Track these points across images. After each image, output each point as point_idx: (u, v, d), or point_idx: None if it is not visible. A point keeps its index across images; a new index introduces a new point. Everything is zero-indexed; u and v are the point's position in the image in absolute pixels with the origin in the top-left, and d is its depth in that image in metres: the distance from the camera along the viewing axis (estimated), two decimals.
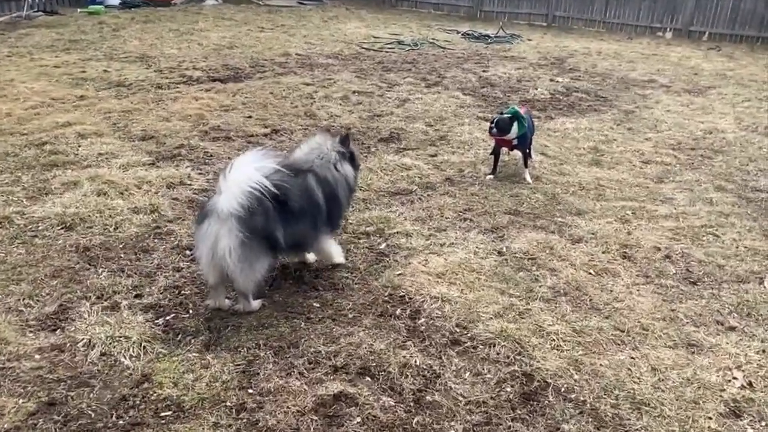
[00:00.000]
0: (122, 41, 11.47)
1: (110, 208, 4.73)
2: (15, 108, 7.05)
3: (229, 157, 5.97)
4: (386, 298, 3.84)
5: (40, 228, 4.43)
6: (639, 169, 6.45)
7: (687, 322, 3.77)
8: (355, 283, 4.00)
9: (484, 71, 10.95)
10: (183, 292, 3.80)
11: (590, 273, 4.27)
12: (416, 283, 3.99)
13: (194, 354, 3.24)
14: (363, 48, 12.61)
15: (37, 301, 3.61)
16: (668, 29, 17.21)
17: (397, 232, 4.70)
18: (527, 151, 5.95)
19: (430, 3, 20.39)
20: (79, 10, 15.11)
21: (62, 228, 4.44)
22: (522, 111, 5.81)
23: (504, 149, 5.95)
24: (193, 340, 3.35)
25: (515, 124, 5.66)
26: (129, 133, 6.48)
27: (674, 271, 4.37)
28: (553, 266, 4.32)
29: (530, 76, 10.79)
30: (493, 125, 5.65)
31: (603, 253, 4.57)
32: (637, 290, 4.09)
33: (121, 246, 4.27)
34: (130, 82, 8.54)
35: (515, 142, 5.74)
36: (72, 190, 5.03)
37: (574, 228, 4.97)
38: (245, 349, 3.30)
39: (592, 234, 4.86)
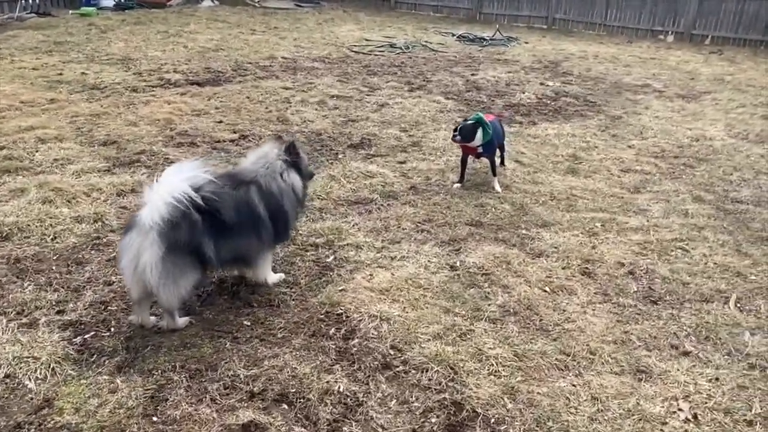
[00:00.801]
0: (107, 43, 11.37)
1: (52, 217, 4.57)
2: None
3: None
4: (322, 317, 3.64)
5: None
6: (616, 178, 6.21)
7: (639, 346, 3.54)
8: (293, 299, 3.81)
9: (472, 75, 10.74)
10: (109, 307, 3.63)
11: (545, 291, 4.05)
12: (357, 300, 3.79)
13: (105, 377, 3.06)
14: (353, 51, 12.44)
15: None
16: (670, 32, 16.92)
17: (348, 244, 4.50)
18: (495, 158, 5.73)
19: (429, 5, 20.21)
20: (70, 11, 15.06)
21: None
22: (489, 118, 5.60)
23: (471, 157, 5.74)
24: (107, 361, 3.17)
25: (479, 131, 5.45)
26: (91, 137, 6.33)
27: (635, 289, 4.14)
28: (507, 283, 4.11)
29: (520, 79, 10.57)
30: (456, 132, 5.45)
31: (563, 269, 4.35)
32: (592, 310, 3.87)
33: (55, 258, 4.10)
34: (105, 85, 8.41)
35: (480, 149, 5.53)
36: (18, 197, 4.87)
37: (537, 241, 4.75)
38: (159, 371, 3.11)
39: (555, 248, 4.64)
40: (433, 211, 5.18)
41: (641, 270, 4.38)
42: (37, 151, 5.82)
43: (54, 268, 3.98)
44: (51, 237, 4.34)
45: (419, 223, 4.95)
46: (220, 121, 7.14)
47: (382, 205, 5.25)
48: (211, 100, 8.00)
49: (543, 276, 4.22)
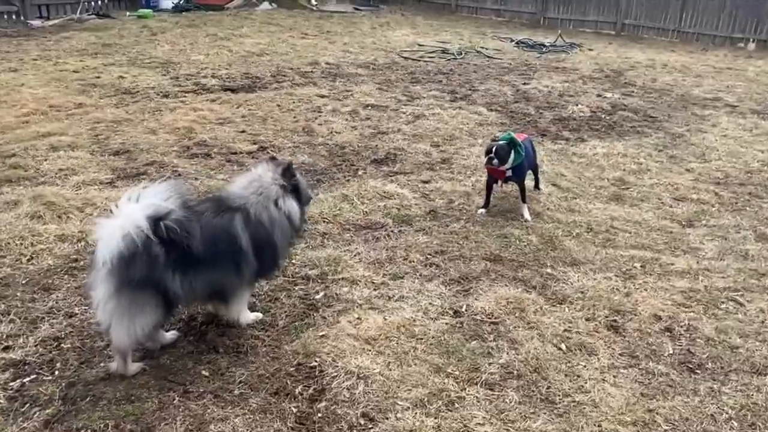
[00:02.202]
0: (154, 46, 11.32)
1: (36, 235, 4.31)
2: (7, 116, 6.85)
3: (196, 178, 5.49)
4: (292, 369, 3.19)
5: None
6: (667, 208, 5.48)
7: (666, 430, 2.90)
8: (265, 345, 3.37)
9: (524, 84, 10.07)
10: (62, 344, 3.29)
11: (560, 348, 3.46)
12: (336, 350, 3.32)
13: None
14: (401, 57, 11.96)
15: None
16: (751, 40, 15.61)
17: (343, 278, 4.03)
18: (526, 183, 5.14)
19: (491, 9, 19.48)
20: (128, 13, 15.24)
21: None
22: (520, 138, 5.01)
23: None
24: (37, 414, 2.82)
25: (512, 153, 4.87)
26: (105, 146, 6.11)
27: (670, 351, 3.49)
28: (516, 336, 3.53)
29: (576, 90, 9.82)
30: (492, 155, 4.86)
31: (586, 320, 3.74)
32: (613, 377, 3.25)
33: (24, 282, 3.82)
34: (137, 90, 8.25)
35: (509, 173, 4.94)
36: (9, 210, 4.66)
37: (562, 283, 4.14)
38: (89, 431, 2.72)
39: (581, 293, 4.02)
40: (449, 240, 4.64)
41: (681, 326, 3.71)
42: (45, 160, 5.64)
43: (18, 294, 3.69)
44: (27, 257, 4.07)
45: (430, 255, 4.42)
46: (243, 131, 6.81)
47: (392, 231, 4.76)
48: (239, 107, 7.71)
49: (561, 329, 3.62)
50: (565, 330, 3.62)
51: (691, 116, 8.62)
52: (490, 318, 3.71)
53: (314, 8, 18.26)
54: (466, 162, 6.25)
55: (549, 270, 4.31)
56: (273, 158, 3.76)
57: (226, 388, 3.04)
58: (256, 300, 3.74)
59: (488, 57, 12.55)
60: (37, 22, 13.54)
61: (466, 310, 3.77)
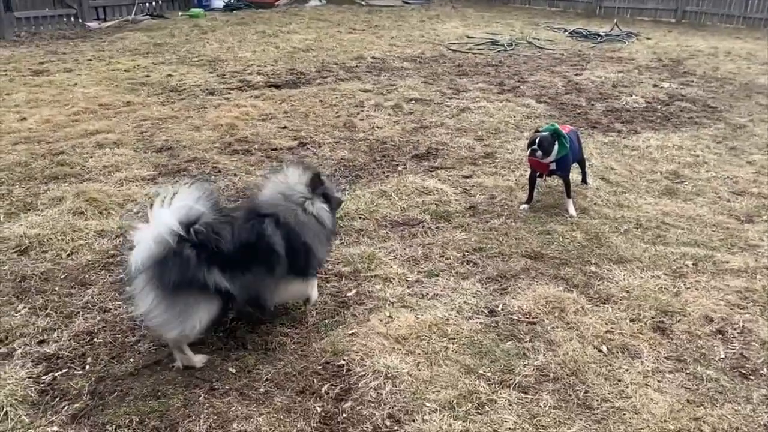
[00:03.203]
0: (203, 44, 11.50)
1: (77, 230, 4.39)
2: (58, 114, 7.06)
3: (235, 174, 5.50)
4: (319, 368, 3.12)
5: None
6: (725, 202, 5.17)
7: None
8: (294, 343, 3.31)
9: (576, 75, 9.74)
10: (95, 339, 3.32)
11: (600, 350, 3.27)
12: (365, 349, 3.23)
13: (54, 428, 2.72)
14: (450, 50, 11.77)
15: None
16: None
17: (376, 276, 3.94)
18: (571, 176, 4.93)
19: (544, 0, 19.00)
20: (180, 13, 15.56)
21: (16, 252, 4.14)
22: (565, 130, 4.80)
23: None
24: (66, 407, 2.84)
25: (556, 144, 4.67)
26: (149, 143, 6.21)
27: (722, 356, 3.25)
28: (554, 337, 3.37)
29: (631, 80, 9.44)
30: (535, 146, 4.67)
31: (631, 321, 3.53)
32: (658, 381, 3.05)
33: (62, 276, 3.88)
34: (184, 88, 8.38)
35: (552, 165, 4.74)
36: (54, 206, 4.76)
37: (606, 282, 3.93)
38: (113, 427, 2.73)
39: (627, 292, 3.81)
40: (488, 237, 4.49)
41: (735, 329, 3.47)
42: (91, 157, 5.76)
43: (57, 289, 3.75)
44: (68, 253, 4.14)
45: (467, 252, 4.29)
46: (285, 127, 6.81)
47: (430, 227, 4.64)
48: (282, 103, 7.71)
49: (602, 330, 3.43)
50: (607, 331, 3.42)
51: (755, 106, 8.15)
52: (527, 318, 3.55)
53: (363, 3, 18.22)
54: (511, 156, 6.06)
55: (593, 268, 4.10)
56: (301, 161, 3.69)
57: (252, 385, 3.00)
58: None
59: (540, 48, 12.22)
60: (94, 24, 13.97)
61: (502, 309, 3.62)
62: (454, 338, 3.35)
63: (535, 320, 3.53)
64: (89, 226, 4.46)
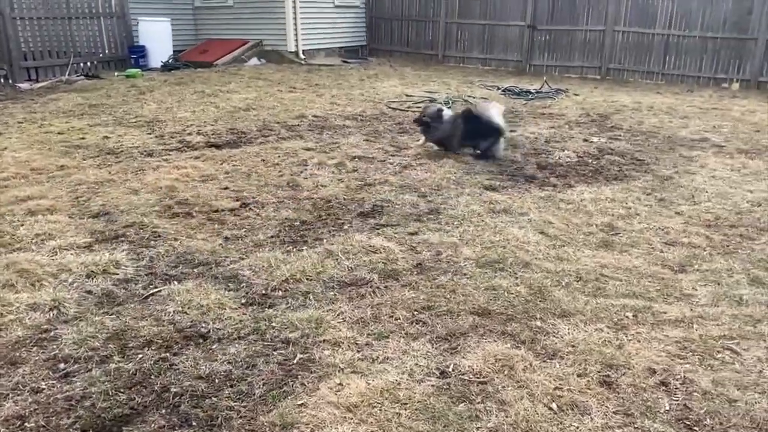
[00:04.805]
0: (140, 105, 11.37)
1: (5, 304, 4.16)
2: None
3: (175, 238, 5.37)
4: None
5: None
6: (658, 252, 5.38)
7: None
8: (240, 416, 3.19)
9: (511, 131, 10.06)
10: (26, 424, 3.11)
11: (551, 408, 3.29)
12: (316, 421, 3.14)
13: None
14: (390, 108, 12.03)
15: None
16: (735, 80, 15.85)
17: (325, 341, 3.88)
18: None
19: (477, 58, 19.82)
20: (117, 73, 15.40)
21: None
22: None
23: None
24: None
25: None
26: (85, 208, 6.02)
27: (667, 407, 3.32)
28: (506, 396, 3.37)
29: (562, 135, 9.85)
30: None
31: (578, 376, 3.58)
32: None
33: None
34: (122, 150, 8.22)
35: None
36: None
37: (552, 337, 3.99)
38: None
39: (572, 347, 3.87)
40: (436, 295, 4.51)
41: (677, 380, 3.56)
42: (22, 225, 5.53)
43: None
44: None
45: (416, 311, 4.28)
46: (226, 187, 6.74)
47: (378, 287, 4.62)
48: (224, 163, 7.66)
49: (552, 387, 3.46)
50: (556, 388, 3.46)
51: (679, 158, 8.61)
52: (478, 377, 3.55)
53: (302, 62, 18.52)
54: (454, 212, 6.17)
55: (538, 323, 4.17)
56: None
57: None
58: (232, 367, 3.58)
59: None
60: (25, 85, 13.66)
61: (453, 370, 3.61)
62: (407, 404, 3.30)
63: (485, 380, 3.53)
64: (20, 299, 4.24)
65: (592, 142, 9.46)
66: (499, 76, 17.72)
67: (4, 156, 7.73)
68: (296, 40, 18.62)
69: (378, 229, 5.73)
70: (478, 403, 3.33)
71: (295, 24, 18.43)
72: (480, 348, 3.83)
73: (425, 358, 3.72)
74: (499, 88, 14.84)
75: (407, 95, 13.57)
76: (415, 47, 20.91)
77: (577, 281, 4.79)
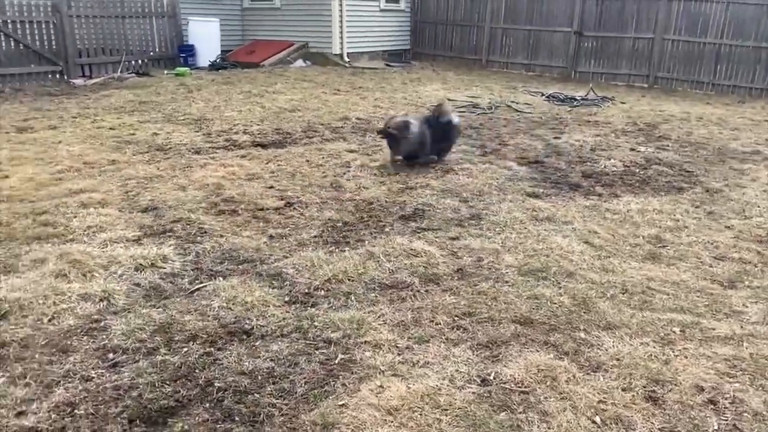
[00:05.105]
0: (189, 103, 11.61)
1: (59, 294, 4.30)
2: (42, 172, 7.01)
3: (221, 235, 5.47)
4: None
5: None
6: (707, 267, 5.24)
7: None
8: (282, 414, 3.23)
9: (555, 138, 9.98)
10: (75, 411, 3.20)
11: (594, 422, 3.24)
12: (357, 422, 3.16)
13: None
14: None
15: None
16: None
17: (366, 342, 3.89)
18: None
19: (521, 64, 19.65)
20: (166, 71, 15.75)
21: None
22: None
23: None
24: None
25: None
26: (134, 203, 6.17)
27: (715, 427, 3.24)
28: (548, 407, 3.33)
29: (608, 144, 9.69)
30: None
31: (623, 390, 3.51)
32: None
33: (43, 343, 3.77)
34: (170, 146, 8.41)
35: None
36: (36, 268, 4.67)
37: (596, 349, 3.93)
38: None
39: (617, 360, 3.80)
40: (477, 301, 4.48)
41: (726, 399, 3.46)
42: (75, 217, 5.69)
43: (37, 356, 3.64)
44: (49, 318, 4.04)
45: (457, 316, 4.27)
46: (271, 187, 6.83)
47: (419, 291, 4.62)
48: (269, 163, 7.76)
49: (595, 400, 3.41)
50: (599, 401, 3.40)
51: (729, 170, 8.39)
52: (519, 387, 3.51)
53: (347, 65, 18.64)
54: (496, 218, 6.12)
55: (582, 334, 4.10)
56: None
57: None
58: (275, 365, 3.62)
59: (519, 111, 12.54)
60: (79, 81, 14.08)
61: (494, 378, 3.58)
62: (447, 410, 3.29)
63: (527, 390, 3.49)
64: (72, 289, 4.37)
65: (639, 151, 9.28)
66: (543, 82, 17.54)
67: (59, 149, 7.99)
68: (341, 42, 18.77)
69: (419, 232, 5.73)
70: (520, 412, 3.30)
71: (341, 27, 18.58)
72: (522, 357, 3.79)
73: (466, 365, 3.70)
74: (543, 94, 14.69)
75: (449, 99, 13.53)
76: (459, 52, 20.86)
77: (623, 293, 4.71)
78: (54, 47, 14.30)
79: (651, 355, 3.87)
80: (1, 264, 4.77)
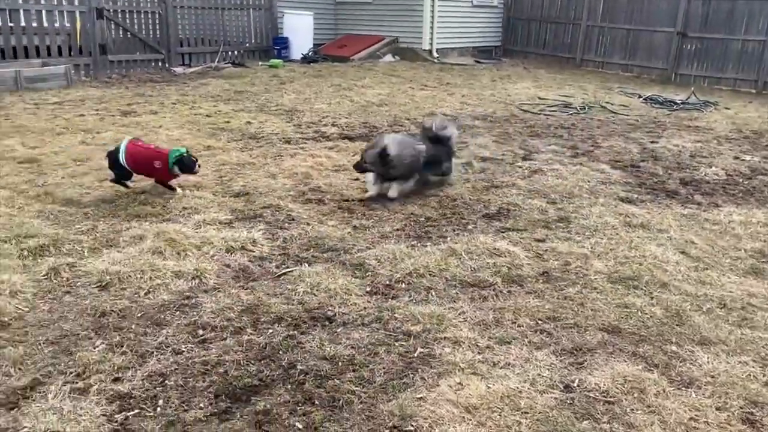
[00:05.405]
0: (281, 94, 11.91)
1: (155, 270, 4.51)
2: None
3: (308, 223, 5.58)
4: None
5: (77, 284, 4.32)
6: None
7: None
8: (361, 402, 3.26)
9: (652, 142, 9.55)
10: (166, 381, 3.35)
11: None
12: (434, 416, 3.14)
13: None
14: (521, 110, 11.79)
15: (19, 369, 3.39)
16: None
17: (445, 338, 3.86)
18: None
19: (618, 64, 18.93)
20: (260, 63, 16.23)
21: (97, 287, 4.29)
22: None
23: None
24: None
25: None
26: (228, 188, 6.40)
27: None
28: (634, 420, 3.19)
29: (710, 151, 9.18)
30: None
31: (717, 409, 3.32)
32: None
33: (139, 315, 3.98)
34: (262, 135, 8.65)
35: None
36: (134, 244, 4.93)
37: (689, 364, 3.73)
38: None
39: (711, 377, 3.60)
40: (562, 306, 4.36)
41: None
42: (171, 199, 5.95)
43: (133, 327, 3.84)
44: (145, 291, 4.25)
45: (541, 320, 4.16)
46: (357, 179, 6.89)
47: (501, 291, 4.54)
48: (356, 155, 7.82)
49: (686, 417, 3.23)
50: (691, 418, 3.22)
51: None
52: (604, 396, 3.38)
53: (435, 60, 18.57)
54: (586, 222, 5.92)
55: (674, 348, 3.90)
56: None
57: None
58: (355, 352, 3.66)
59: (614, 113, 12.09)
60: (179, 69, 14.74)
61: (577, 385, 3.47)
62: (528, 413, 3.22)
63: (612, 400, 3.36)
64: (167, 266, 4.57)
65: (743, 160, 8.74)
66: (640, 83, 16.83)
67: (159, 133, 8.39)
68: (431, 38, 18.72)
69: (503, 232, 5.63)
70: (604, 422, 3.18)
71: (432, 22, 18.52)
72: (608, 366, 3.65)
73: (549, 370, 3.60)
74: (640, 96, 14.10)
75: (540, 98, 13.23)
76: (552, 49, 20.34)
77: (721, 308, 4.44)
78: (158, 36, 15.03)
79: (750, 374, 3.63)
80: (103, 238, 5.06)
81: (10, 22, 12.68)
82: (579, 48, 19.61)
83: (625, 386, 3.46)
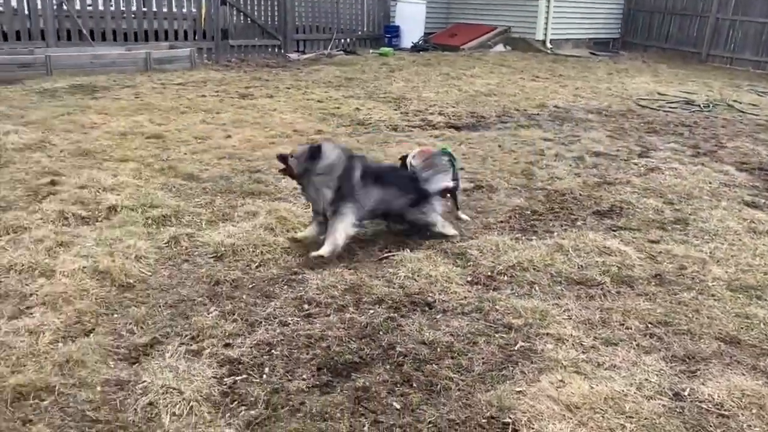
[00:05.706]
0: (390, 82, 12.02)
1: (266, 245, 4.71)
2: (258, 135, 7.71)
3: None
4: (483, 422, 3.03)
5: (195, 253, 4.59)
6: None
7: None
8: (458, 389, 3.25)
9: None
10: (273, 351, 3.50)
11: None
12: (533, 411, 3.09)
13: (232, 430, 2.89)
14: (638, 105, 11.25)
15: (141, 328, 3.65)
16: None
17: (548, 334, 3.77)
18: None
19: (749, 60, 17.61)
20: (371, 51, 16.44)
21: (213, 257, 4.54)
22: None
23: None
24: (243, 413, 3.01)
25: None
26: None
27: None
28: None
29: None
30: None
31: None
32: None
33: (250, 286, 4.17)
34: (370, 122, 8.78)
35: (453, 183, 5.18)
36: (248, 220, 5.17)
37: None
38: None
39: None
40: (675, 311, 4.14)
41: None
42: (283, 178, 6.15)
43: (244, 297, 4.04)
44: (257, 264, 4.45)
45: (651, 324, 3.97)
46: (461, 168, 6.83)
47: (610, 291, 4.37)
48: (461, 145, 7.80)
49: None
50: None
51: None
52: (718, 409, 3.19)
53: (549, 51, 18.06)
54: (706, 225, 5.58)
55: None
56: None
57: (415, 426, 2.97)
58: (454, 340, 3.65)
59: (741, 112, 11.27)
60: (294, 55, 15.22)
61: (688, 395, 3.29)
62: (633, 417, 3.09)
63: (728, 413, 3.16)
64: (277, 242, 4.76)
65: None
66: None
67: (273, 116, 8.72)
68: (545, 28, 18.20)
69: (614, 230, 5.41)
70: None
71: (547, 12, 18.01)
72: (724, 378, 3.43)
73: (657, 375, 3.44)
74: None
75: (660, 94, 12.56)
76: (675, 43, 19.22)
77: None
78: (276, 23, 15.57)
79: None
80: (220, 212, 5.34)
81: (144, 6, 13.58)
82: (705, 42, 18.40)
83: (743, 400, 3.24)
